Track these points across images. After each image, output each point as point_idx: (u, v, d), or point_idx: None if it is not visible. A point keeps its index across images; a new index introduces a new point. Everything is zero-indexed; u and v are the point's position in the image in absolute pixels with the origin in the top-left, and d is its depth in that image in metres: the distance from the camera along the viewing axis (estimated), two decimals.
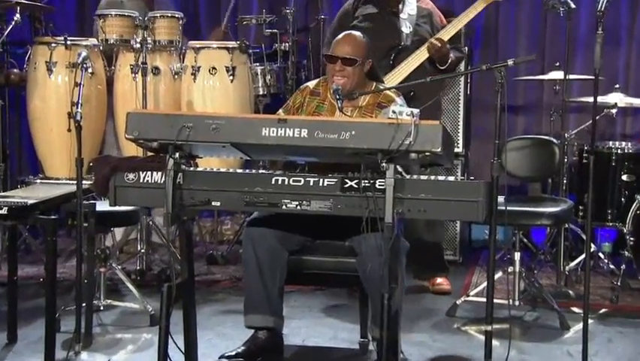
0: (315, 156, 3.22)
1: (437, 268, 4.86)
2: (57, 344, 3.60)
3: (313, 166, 3.43)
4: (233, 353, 3.50)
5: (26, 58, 5.09)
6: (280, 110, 3.73)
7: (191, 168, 3.22)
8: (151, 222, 5.01)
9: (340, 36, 3.68)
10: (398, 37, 4.54)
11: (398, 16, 4.57)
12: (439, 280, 4.84)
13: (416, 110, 2.98)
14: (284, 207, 3.11)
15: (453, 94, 5.44)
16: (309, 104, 3.68)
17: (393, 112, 2.98)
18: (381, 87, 3.70)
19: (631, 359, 3.84)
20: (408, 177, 3.05)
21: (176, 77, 5.14)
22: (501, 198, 3.42)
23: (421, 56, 4.50)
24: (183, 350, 3.27)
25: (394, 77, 4.45)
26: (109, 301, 4.27)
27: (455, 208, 3.03)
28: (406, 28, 4.56)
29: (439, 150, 2.94)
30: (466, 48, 5.35)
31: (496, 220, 3.31)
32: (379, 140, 2.96)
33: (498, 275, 4.29)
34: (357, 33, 3.70)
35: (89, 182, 3.70)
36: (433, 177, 3.10)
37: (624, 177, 5.01)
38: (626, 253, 4.83)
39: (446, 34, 4.51)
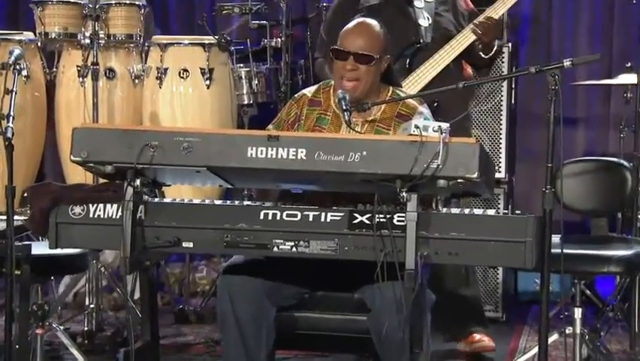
0: (315, 183, 3.24)
1: (473, 321, 4.85)
2: None
3: (313, 196, 3.44)
4: None
5: None
6: (270, 127, 3.75)
7: (156, 199, 3.24)
8: (103, 269, 5.01)
9: (352, 25, 3.70)
10: (415, 32, 4.57)
11: (412, 4, 4.60)
12: (477, 336, 4.82)
13: (445, 125, 3.00)
14: (275, 248, 3.12)
15: (493, 104, 5.46)
16: (308, 116, 3.69)
17: (416, 127, 3.00)
18: (401, 94, 3.72)
19: None
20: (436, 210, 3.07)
21: (136, 81, 5.17)
22: (556, 238, 3.42)
23: (448, 54, 4.52)
24: None
25: (413, 84, 4.47)
26: None
27: (496, 251, 3.04)
28: (424, 21, 4.58)
29: (476, 175, 2.95)
30: (510, 45, 5.38)
31: (550, 267, 3.32)
32: (398, 163, 2.97)
33: (553, 338, 4.28)
34: (373, 22, 3.72)
35: (24, 217, 3.70)
36: (467, 211, 3.11)
37: None
38: None
39: (494, 12, 4.52)
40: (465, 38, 4.53)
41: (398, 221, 3.05)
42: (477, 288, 5.01)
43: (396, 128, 3.55)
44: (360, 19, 3.77)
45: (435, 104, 4.32)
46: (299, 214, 3.13)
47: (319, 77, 4.53)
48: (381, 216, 3.06)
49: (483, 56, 4.55)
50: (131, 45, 5.14)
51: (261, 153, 3.04)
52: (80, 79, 5.02)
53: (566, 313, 4.58)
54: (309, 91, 3.78)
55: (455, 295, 4.79)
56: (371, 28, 3.67)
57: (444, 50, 4.52)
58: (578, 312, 4.34)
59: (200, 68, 5.13)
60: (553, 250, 3.31)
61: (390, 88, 3.71)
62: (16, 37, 5.03)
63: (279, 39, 5.57)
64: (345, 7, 4.63)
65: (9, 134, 3.59)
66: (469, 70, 4.73)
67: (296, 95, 3.81)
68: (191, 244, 3.18)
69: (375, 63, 3.60)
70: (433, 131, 2.99)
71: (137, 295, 4.69)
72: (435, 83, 4.45)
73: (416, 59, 4.53)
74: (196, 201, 3.27)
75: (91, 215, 3.21)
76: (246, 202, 3.33)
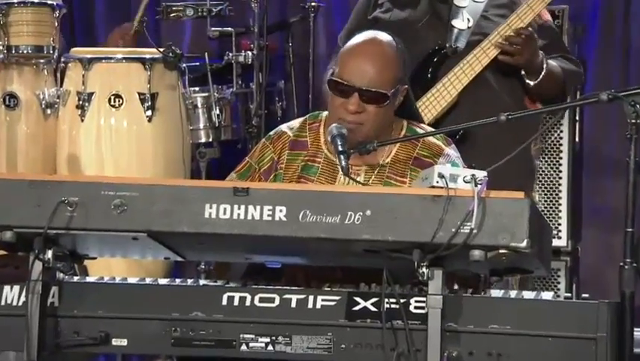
0: (299, 254, 3.25)
1: None
2: None
3: (297, 273, 3.45)
4: None
5: None
6: (233, 174, 3.75)
7: (76, 278, 3.24)
8: None
9: (357, 45, 3.68)
10: (443, 35, 4.62)
11: (451, 2, 4.65)
12: None
13: (481, 173, 3.02)
14: (244, 347, 3.12)
15: (549, 143, 5.48)
16: (290, 164, 3.69)
17: (440, 176, 3.02)
18: (419, 130, 3.73)
19: None
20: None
21: (48, 111, 5.18)
22: None
23: (472, 64, 4.54)
24: None
25: (429, 105, 4.49)
26: None
27: (556, 351, 3.04)
28: (462, 22, 4.63)
29: (525, 244, 2.96)
30: None
31: None
32: (416, 226, 2.99)
33: None
34: (387, 38, 3.70)
35: None
36: (513, 294, 3.12)
37: None
38: None
39: (518, 20, 4.56)
40: (483, 54, 4.56)
41: (416, 308, 3.06)
42: None
43: (413, 178, 3.56)
44: (370, 36, 3.74)
45: (457, 137, 4.31)
46: (277, 298, 3.13)
47: None
48: (393, 300, 3.07)
49: (529, 82, 4.55)
50: (41, 61, 5.16)
51: (224, 213, 3.05)
52: None
53: None
54: (289, 127, 3.76)
55: None
56: (385, 49, 3.65)
57: (467, 62, 4.56)
58: None
59: (139, 93, 5.14)
60: (636, 350, 3.32)
61: (405, 123, 3.72)
62: None
63: (250, 52, 5.59)
64: (364, 7, 4.75)
65: None
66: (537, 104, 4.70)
67: (272, 133, 3.79)
68: (124, 342, 3.17)
69: (389, 103, 3.59)
70: (464, 181, 3.01)
71: None
72: (463, 105, 4.49)
73: (441, 68, 4.60)
74: (132, 280, 3.28)
75: None
76: (202, 281, 3.34)
